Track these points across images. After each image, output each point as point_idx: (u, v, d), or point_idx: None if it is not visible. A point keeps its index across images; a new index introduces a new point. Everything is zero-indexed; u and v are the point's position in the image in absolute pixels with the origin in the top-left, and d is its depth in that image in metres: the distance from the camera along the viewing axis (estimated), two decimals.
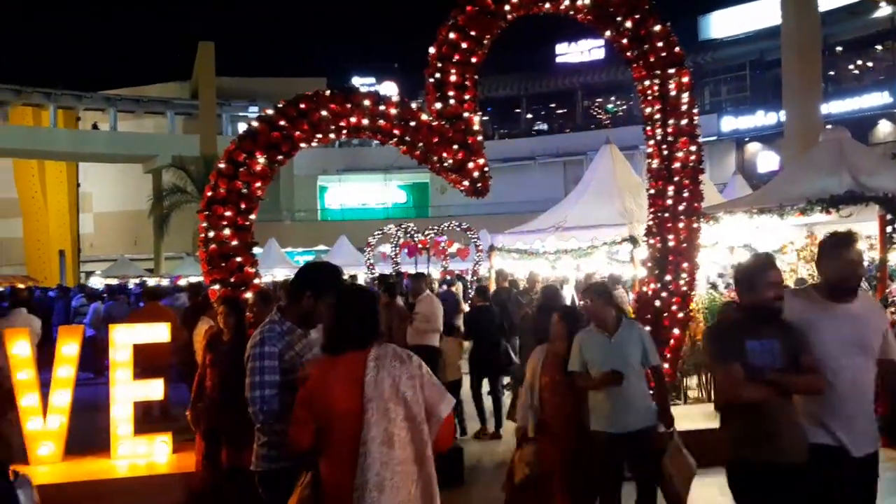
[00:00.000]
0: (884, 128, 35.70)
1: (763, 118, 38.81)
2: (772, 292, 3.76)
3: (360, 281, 22.20)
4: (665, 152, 8.14)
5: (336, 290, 3.75)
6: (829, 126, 14.01)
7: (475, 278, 21.48)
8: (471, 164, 7.75)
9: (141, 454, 6.77)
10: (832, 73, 36.31)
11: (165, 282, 28.65)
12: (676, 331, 7.93)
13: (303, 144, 7.47)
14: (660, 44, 8.10)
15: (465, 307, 13.11)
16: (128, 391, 6.77)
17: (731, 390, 3.75)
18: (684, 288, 8.03)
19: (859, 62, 38.69)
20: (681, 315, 8.01)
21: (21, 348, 6.82)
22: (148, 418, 8.76)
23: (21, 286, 22.07)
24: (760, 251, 11.08)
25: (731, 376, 3.70)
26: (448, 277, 21.52)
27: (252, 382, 3.73)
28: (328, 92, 7.45)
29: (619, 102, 48.80)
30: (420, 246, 24.90)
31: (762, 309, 3.77)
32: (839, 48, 37.60)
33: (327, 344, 3.46)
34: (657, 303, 7.89)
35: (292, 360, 3.84)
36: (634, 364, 5.07)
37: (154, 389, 6.99)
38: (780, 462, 3.64)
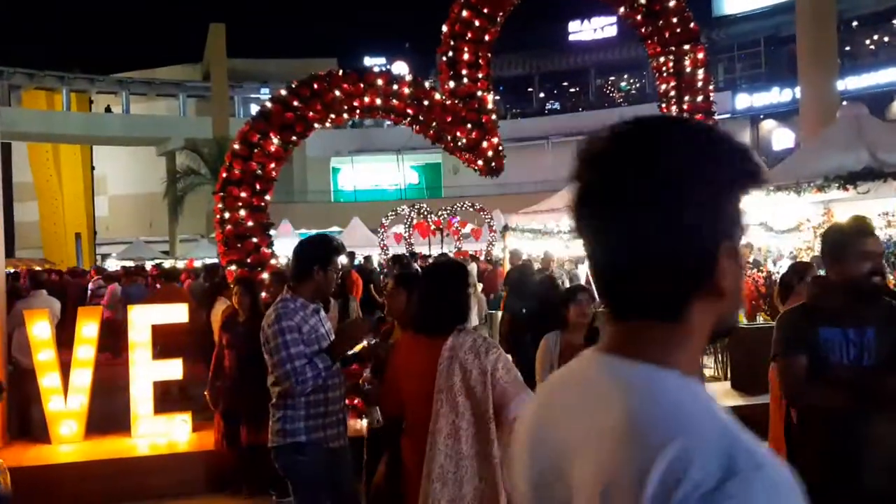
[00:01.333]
0: None
1: (778, 95, 38.38)
2: (867, 265, 2.93)
3: (375, 262, 22.26)
4: None
5: (327, 257, 3.94)
6: (845, 102, 13.83)
7: (488, 258, 21.49)
8: (485, 144, 7.75)
9: (161, 433, 6.85)
10: (848, 48, 35.83)
11: (181, 264, 28.81)
12: None
13: (316, 125, 7.49)
14: (674, 20, 8.04)
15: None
16: (147, 371, 6.84)
17: (787, 391, 3.07)
18: None
19: (875, 37, 38.13)
20: None
21: (41, 329, 6.90)
22: (167, 398, 8.87)
23: (38, 269, 22.27)
24: (857, 214, 10.86)
25: (789, 372, 3.00)
26: (462, 258, 21.53)
27: (280, 359, 3.78)
28: (341, 72, 7.45)
29: (632, 81, 48.40)
30: (433, 227, 24.90)
31: (852, 287, 2.95)
32: (855, 23, 37.08)
33: (412, 322, 3.50)
34: None
35: (310, 333, 3.90)
36: None
37: (173, 369, 7.06)
38: (859, 494, 2.76)
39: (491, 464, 3.14)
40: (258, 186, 7.22)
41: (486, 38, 7.88)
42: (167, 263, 28.78)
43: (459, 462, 3.11)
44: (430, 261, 11.83)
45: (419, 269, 12.59)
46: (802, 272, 5.99)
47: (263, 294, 6.90)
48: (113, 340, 13.79)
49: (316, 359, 3.83)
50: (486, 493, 3.12)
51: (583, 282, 12.06)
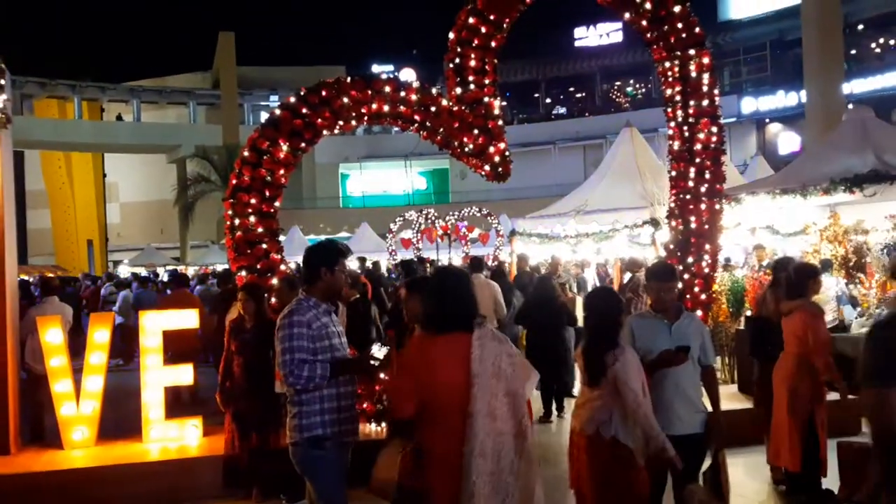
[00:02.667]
0: None
1: (784, 99, 38.34)
2: None
3: (383, 268, 22.31)
4: (686, 134, 8.14)
5: (333, 260, 4.13)
6: (851, 105, 13.85)
7: (496, 263, 21.53)
8: (491, 149, 7.80)
9: (172, 438, 6.90)
10: (854, 51, 35.76)
11: (192, 270, 28.97)
12: (699, 313, 7.94)
13: (325, 131, 7.55)
14: (679, 24, 8.07)
15: None
16: (158, 376, 6.90)
17: (882, 431, 2.63)
18: (706, 270, 8.04)
19: (881, 40, 38.02)
20: (703, 297, 8.02)
21: (54, 335, 6.97)
22: (178, 403, 8.94)
23: (50, 275, 22.42)
24: None
25: (886, 407, 2.60)
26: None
27: (283, 349, 3.93)
28: (349, 79, 7.51)
29: (638, 85, 48.41)
30: (441, 232, 24.97)
31: None
32: (861, 26, 37.00)
33: (431, 323, 3.65)
34: (679, 285, 7.91)
35: (320, 329, 4.02)
36: (693, 359, 4.45)
37: (184, 374, 7.12)
38: None
39: (524, 439, 3.50)
40: (268, 193, 7.28)
41: (493, 44, 7.94)
42: (182, 270, 28.93)
43: (496, 438, 3.42)
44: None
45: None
46: (814, 273, 6.03)
47: (273, 300, 6.97)
48: (124, 346, 13.92)
49: (319, 362, 3.94)
50: (521, 468, 3.46)
51: (590, 286, 12.11)
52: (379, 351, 4.33)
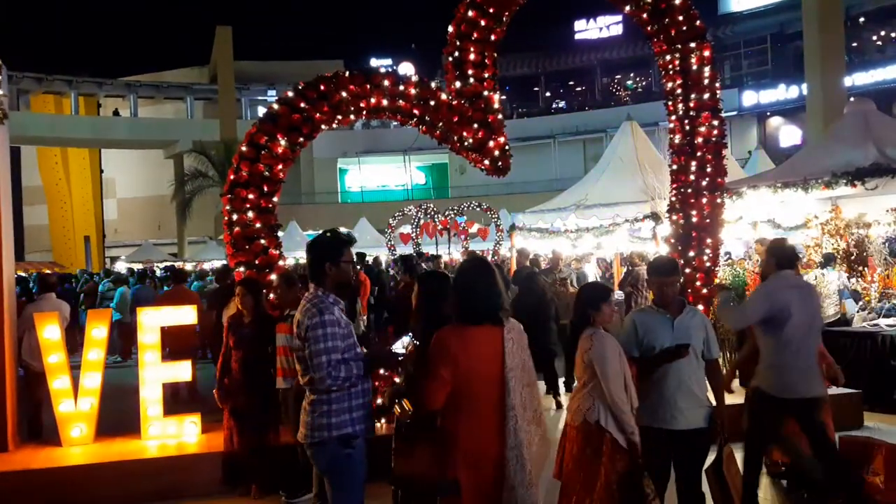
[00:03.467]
0: None
1: (785, 92, 38.29)
2: None
3: (383, 263, 22.27)
4: (687, 127, 8.08)
5: (336, 252, 4.02)
6: (852, 98, 13.78)
7: (495, 258, 21.49)
8: (491, 143, 7.74)
9: (171, 434, 6.87)
10: (855, 44, 35.69)
11: (190, 266, 28.92)
12: (700, 307, 7.89)
13: (323, 126, 7.49)
14: (680, 17, 8.01)
15: None
16: (156, 373, 6.86)
17: None
18: (708, 264, 8.00)
19: (882, 33, 37.97)
20: (705, 291, 7.97)
21: (51, 332, 6.93)
22: (176, 400, 8.91)
23: (47, 272, 22.38)
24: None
25: None
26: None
27: (318, 350, 3.76)
28: (347, 73, 7.45)
29: (638, 79, 48.33)
30: (440, 226, 24.92)
31: None
32: (861, 19, 36.93)
33: (464, 315, 3.66)
34: (681, 279, 7.86)
35: (347, 326, 3.96)
36: (697, 353, 4.42)
37: (182, 371, 7.08)
38: None
39: (542, 423, 3.72)
40: (266, 188, 7.22)
41: (492, 37, 7.87)
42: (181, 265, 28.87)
43: (526, 428, 3.60)
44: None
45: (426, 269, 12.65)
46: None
47: (272, 296, 6.92)
48: (121, 343, 13.89)
49: (353, 362, 3.85)
50: (542, 448, 3.71)
51: (591, 279, 12.07)
52: (400, 345, 4.25)
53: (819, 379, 5.04)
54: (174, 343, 8.79)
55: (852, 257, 10.53)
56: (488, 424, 3.55)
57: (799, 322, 4.82)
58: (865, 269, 10.31)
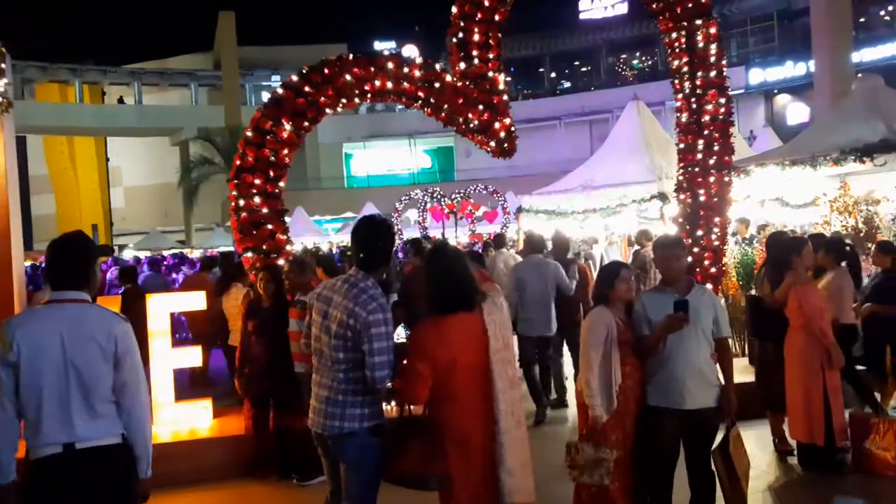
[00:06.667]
0: None
1: (792, 69, 37.99)
2: None
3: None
4: (694, 105, 8.04)
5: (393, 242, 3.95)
6: (860, 74, 13.66)
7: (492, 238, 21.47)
8: (497, 125, 7.71)
9: (182, 420, 6.90)
10: (862, 19, 35.34)
11: (197, 252, 29.00)
12: (709, 286, 7.88)
13: (328, 110, 7.47)
14: None
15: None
16: (167, 359, 6.88)
17: None
18: (716, 243, 7.98)
19: (890, 8, 37.59)
20: (713, 270, 7.96)
21: None
22: (195, 384, 8.94)
23: None
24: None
25: None
26: (475, 241, 21.53)
27: (384, 347, 3.60)
28: (351, 56, 7.42)
29: (644, 58, 48.00)
30: (447, 210, 24.92)
31: None
32: None
33: (438, 305, 3.66)
34: (689, 258, 7.84)
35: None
36: (706, 332, 4.38)
37: (192, 357, 7.10)
38: None
39: (516, 399, 3.71)
40: (272, 173, 7.23)
41: (497, 17, 7.82)
42: (197, 252, 28.93)
43: (515, 405, 3.66)
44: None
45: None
46: (798, 247, 5.96)
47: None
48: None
49: (392, 356, 3.71)
50: (516, 434, 3.68)
51: (597, 261, 12.04)
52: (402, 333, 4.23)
53: None
54: (198, 329, 8.92)
55: (861, 234, 10.48)
56: (475, 411, 3.56)
57: None
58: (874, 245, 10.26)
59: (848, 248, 7.04)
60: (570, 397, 8.12)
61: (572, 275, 8.00)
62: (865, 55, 33.03)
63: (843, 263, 6.67)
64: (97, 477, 3.22)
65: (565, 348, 8.44)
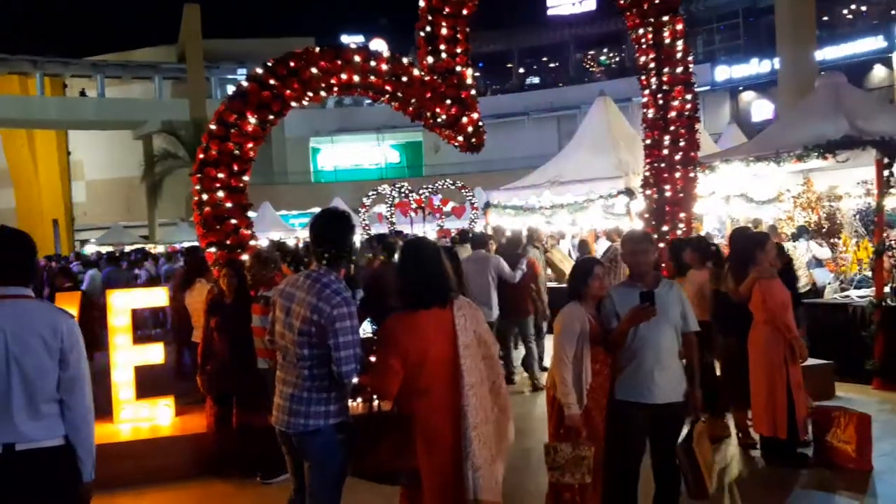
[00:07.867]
0: (879, 73, 35.40)
1: (757, 66, 38.46)
2: None
3: (357, 242, 22.13)
4: (660, 101, 8.08)
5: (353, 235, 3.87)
6: (823, 72, 13.86)
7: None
8: (464, 119, 7.68)
9: (144, 417, 6.78)
10: (826, 18, 35.90)
11: (160, 248, 28.60)
12: (676, 282, 7.93)
13: (294, 103, 7.38)
14: None
15: None
16: (128, 356, 6.76)
17: None
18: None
19: (853, 6, 38.22)
20: None
21: None
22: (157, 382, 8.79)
23: None
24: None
25: None
26: (444, 237, 21.51)
27: (349, 342, 3.55)
28: (318, 49, 7.34)
29: (611, 54, 48.29)
30: (415, 205, 24.84)
31: None
32: None
33: (411, 300, 3.62)
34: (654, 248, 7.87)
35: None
36: (674, 327, 4.40)
37: (154, 353, 6.98)
38: None
39: (500, 394, 3.72)
40: (236, 167, 7.12)
41: (465, 11, 7.79)
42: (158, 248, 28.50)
43: (483, 402, 3.61)
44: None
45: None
46: (761, 242, 6.02)
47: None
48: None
49: (359, 350, 3.65)
50: (500, 420, 3.69)
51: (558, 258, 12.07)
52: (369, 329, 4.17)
53: None
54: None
55: (823, 230, 10.64)
56: (445, 406, 3.53)
57: None
58: (837, 240, 10.41)
59: (713, 247, 7.21)
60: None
61: (520, 266, 8.80)
62: (828, 53, 33.55)
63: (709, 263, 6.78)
64: (38, 480, 3.09)
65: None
